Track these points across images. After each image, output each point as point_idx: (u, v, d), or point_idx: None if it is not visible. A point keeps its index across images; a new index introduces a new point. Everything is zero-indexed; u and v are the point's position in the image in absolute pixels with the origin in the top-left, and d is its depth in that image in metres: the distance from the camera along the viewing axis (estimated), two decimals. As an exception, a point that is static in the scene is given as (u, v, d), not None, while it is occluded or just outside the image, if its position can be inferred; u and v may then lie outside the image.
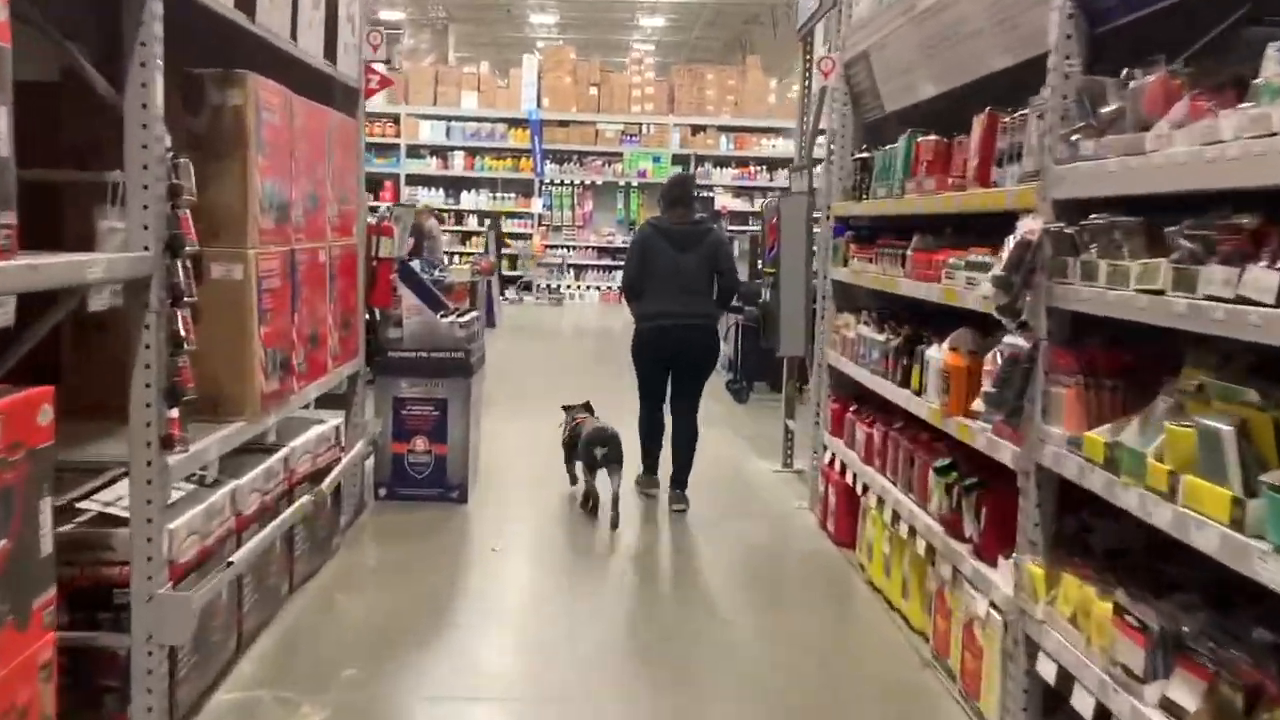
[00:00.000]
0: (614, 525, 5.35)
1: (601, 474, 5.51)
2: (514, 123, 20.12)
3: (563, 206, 20.50)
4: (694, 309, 5.54)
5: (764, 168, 20.52)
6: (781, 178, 20.32)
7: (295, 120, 4.05)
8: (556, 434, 6.28)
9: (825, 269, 5.41)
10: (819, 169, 6.03)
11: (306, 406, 4.52)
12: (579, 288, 20.41)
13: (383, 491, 5.73)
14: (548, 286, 20.48)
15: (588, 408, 6.10)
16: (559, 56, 20.48)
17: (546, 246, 20.38)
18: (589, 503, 5.61)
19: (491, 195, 20.40)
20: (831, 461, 5.20)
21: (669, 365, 5.69)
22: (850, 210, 5.14)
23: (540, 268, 20.38)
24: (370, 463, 5.72)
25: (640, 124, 20.23)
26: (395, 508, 5.68)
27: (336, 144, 4.73)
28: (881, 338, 4.47)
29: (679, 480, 5.75)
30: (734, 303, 6.91)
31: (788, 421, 6.72)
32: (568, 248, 20.41)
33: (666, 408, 5.92)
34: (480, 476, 6.29)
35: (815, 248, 5.95)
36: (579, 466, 5.71)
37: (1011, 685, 3.03)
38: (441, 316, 5.95)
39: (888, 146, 4.57)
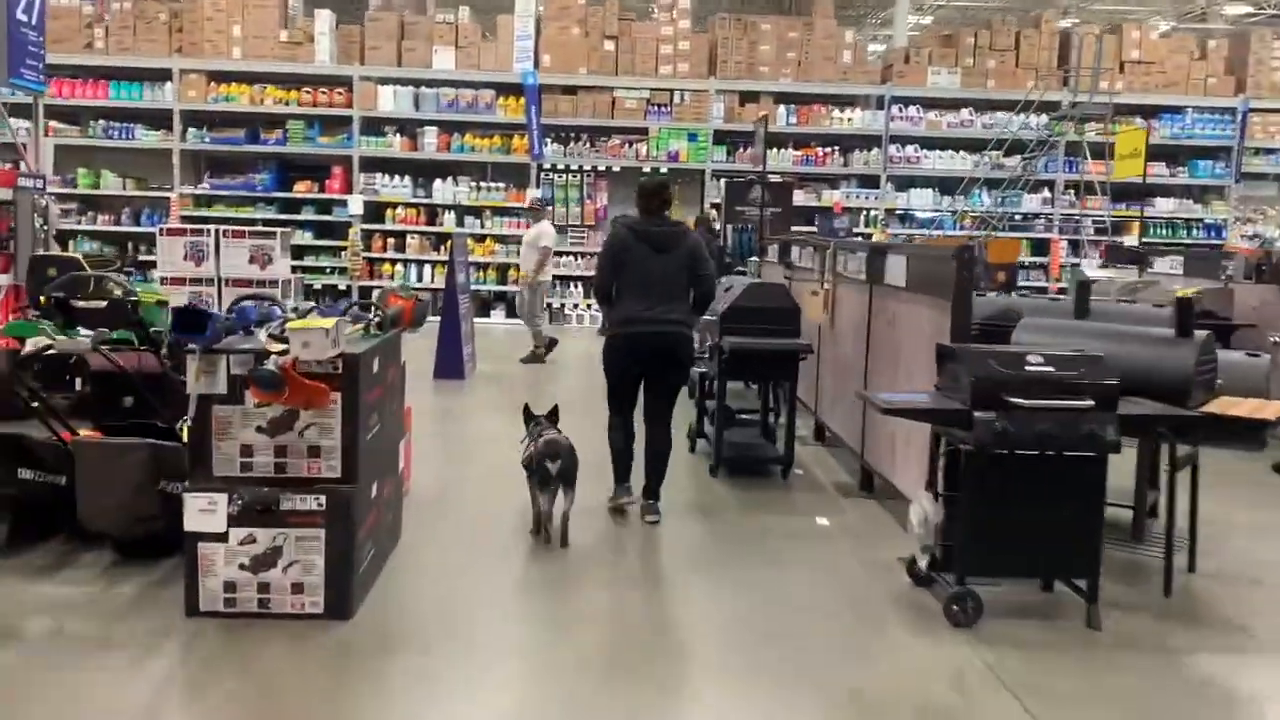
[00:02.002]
0: (563, 543, 4.94)
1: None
2: (504, 89, 15.17)
3: (569, 200, 15.50)
4: (669, 314, 5.24)
5: (835, 149, 15.46)
6: (859, 161, 15.32)
7: None
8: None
9: None
10: None
11: None
12: (588, 308, 15.36)
13: None
14: (548, 306, 15.43)
15: (553, 418, 5.27)
16: (564, 1, 15.44)
17: (546, 253, 15.33)
18: (540, 532, 5.01)
19: (474, 185, 15.43)
20: None
21: (642, 372, 5.37)
22: None
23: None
24: None
25: (672, 91, 15.23)
26: None
27: None
28: None
29: (651, 491, 5.44)
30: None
31: None
32: (574, 255, 15.39)
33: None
34: None
35: None
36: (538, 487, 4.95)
37: None
38: None
39: None
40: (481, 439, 7.55)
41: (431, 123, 15.20)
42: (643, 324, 5.21)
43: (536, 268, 11.27)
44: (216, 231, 13.58)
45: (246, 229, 13.79)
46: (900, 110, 15.28)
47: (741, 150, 15.35)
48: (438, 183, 15.32)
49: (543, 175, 15.37)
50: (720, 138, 15.30)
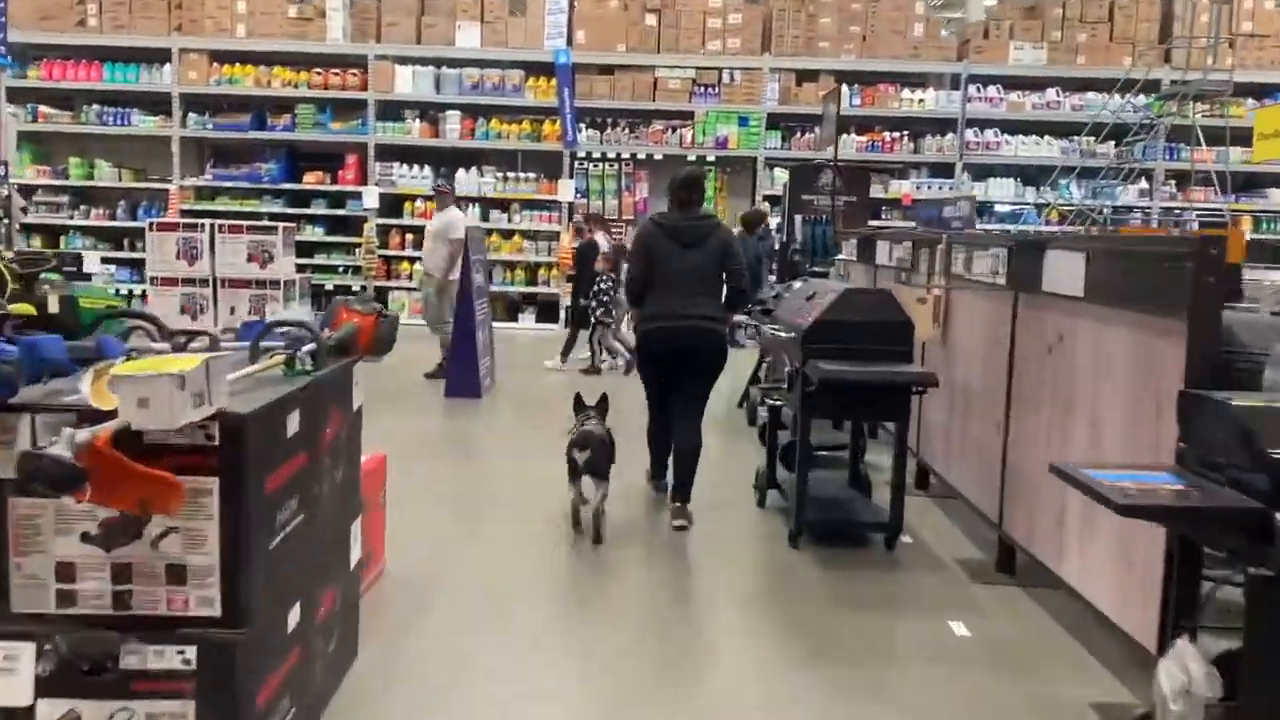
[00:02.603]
0: (597, 540, 4.71)
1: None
2: (534, 68, 13.68)
3: (605, 192, 13.97)
4: (699, 309, 5.06)
5: (905, 134, 13.78)
6: (931, 147, 13.68)
7: None
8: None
9: None
10: None
11: None
12: (626, 312, 13.81)
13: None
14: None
15: (601, 408, 5.12)
16: (601, -28, 13.90)
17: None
18: (578, 525, 4.86)
19: (500, 175, 13.94)
20: None
21: (670, 370, 5.18)
22: None
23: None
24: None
25: (720, 69, 13.64)
26: None
27: None
28: None
29: (680, 494, 5.15)
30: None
31: None
32: (612, 253, 13.84)
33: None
34: None
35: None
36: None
37: None
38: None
39: None
40: (495, 480, 6.01)
41: (454, 106, 13.74)
42: (670, 319, 5.07)
43: (449, 265, 9.18)
44: (211, 226, 12.15)
45: (245, 223, 12.46)
46: (978, 90, 13.57)
47: (799, 136, 13.73)
48: (461, 173, 13.87)
49: (576, 164, 13.86)
50: (775, 122, 13.69)
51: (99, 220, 13.98)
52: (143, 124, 13.85)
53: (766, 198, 13.67)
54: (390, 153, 13.90)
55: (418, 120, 13.84)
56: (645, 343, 5.21)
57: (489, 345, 8.98)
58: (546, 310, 13.96)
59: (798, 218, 7.27)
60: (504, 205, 13.91)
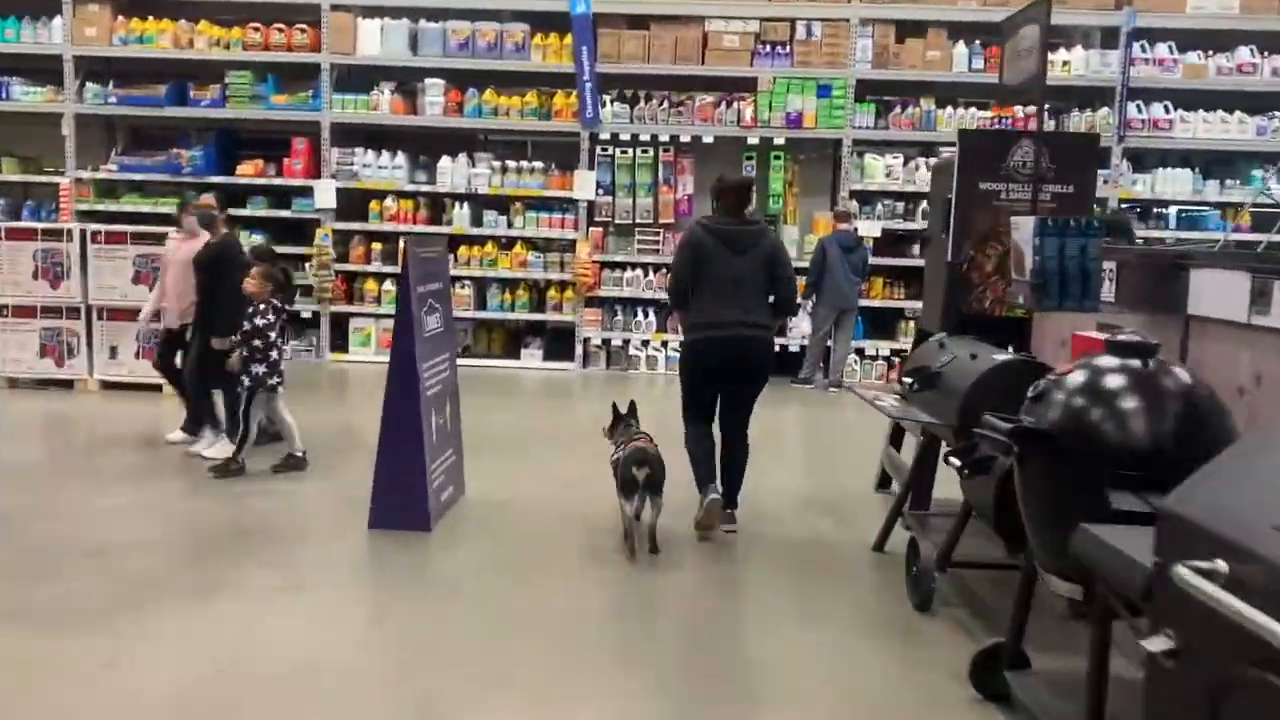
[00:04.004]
0: (652, 549, 4.79)
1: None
2: (543, 21, 10.33)
3: (635, 186, 10.48)
4: (748, 318, 5.06)
5: (1043, 108, 10.21)
6: (1078, 126, 10.18)
7: None
8: None
9: None
10: None
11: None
12: (663, 345, 10.35)
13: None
14: (604, 344, 10.47)
15: (633, 415, 5.20)
16: (632, -106, 10.45)
17: (601, 265, 10.39)
18: (629, 538, 4.82)
19: (497, 165, 10.57)
20: None
21: (719, 379, 5.16)
22: None
23: (591, 308, 10.39)
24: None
25: (793, 22, 10.17)
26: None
27: None
28: None
29: (730, 499, 5.23)
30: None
31: None
32: (644, 268, 10.40)
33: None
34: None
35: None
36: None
37: None
38: None
39: None
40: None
41: (436, 73, 10.42)
42: (720, 328, 5.02)
43: None
44: (82, 235, 8.81)
45: (130, 230, 9.11)
46: (1144, 49, 10.08)
47: (898, 111, 10.24)
48: (445, 161, 10.52)
49: (599, 149, 10.41)
50: (865, 91, 10.20)
51: (-29, 224, 10.72)
52: (26, 97, 10.65)
53: (851, 193, 10.22)
54: (352, 135, 10.65)
55: (388, 92, 10.47)
56: (694, 353, 5.11)
57: (452, 433, 5.47)
58: (559, 343, 10.53)
59: (1029, 221, 3.66)
60: (503, 204, 10.53)
